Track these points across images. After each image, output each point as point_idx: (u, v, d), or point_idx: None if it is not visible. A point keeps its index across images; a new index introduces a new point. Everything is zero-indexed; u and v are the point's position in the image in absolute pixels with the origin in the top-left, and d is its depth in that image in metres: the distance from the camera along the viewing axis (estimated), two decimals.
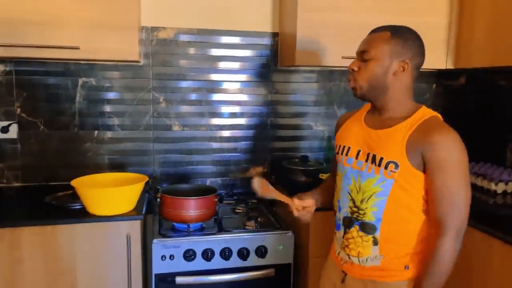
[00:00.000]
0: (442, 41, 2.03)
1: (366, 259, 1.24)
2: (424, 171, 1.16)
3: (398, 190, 1.18)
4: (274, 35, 2.18)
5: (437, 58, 2.04)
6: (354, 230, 1.25)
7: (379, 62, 1.20)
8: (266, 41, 2.17)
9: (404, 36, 1.21)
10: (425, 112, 1.22)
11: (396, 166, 1.16)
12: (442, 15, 2.01)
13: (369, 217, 1.22)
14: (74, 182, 1.60)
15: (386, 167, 1.17)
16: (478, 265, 1.54)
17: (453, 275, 1.64)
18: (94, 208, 1.57)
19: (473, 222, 1.56)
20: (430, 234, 1.21)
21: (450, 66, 2.05)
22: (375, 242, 1.23)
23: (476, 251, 1.55)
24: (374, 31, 1.27)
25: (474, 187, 2.08)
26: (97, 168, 2.05)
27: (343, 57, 1.91)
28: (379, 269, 1.23)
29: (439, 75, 2.41)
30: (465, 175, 1.15)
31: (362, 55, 1.24)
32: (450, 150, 1.13)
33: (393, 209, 1.20)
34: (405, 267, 1.22)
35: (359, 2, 1.91)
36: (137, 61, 1.92)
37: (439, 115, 1.23)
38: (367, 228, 1.23)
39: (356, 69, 1.25)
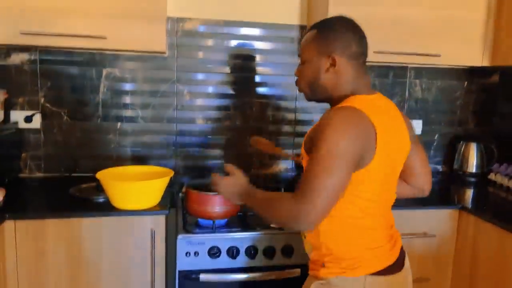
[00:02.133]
0: (479, 37, 1.95)
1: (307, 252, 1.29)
2: None
3: None
4: (302, 28, 2.12)
5: (472, 55, 1.96)
6: None
7: (310, 64, 1.19)
8: (293, 34, 2.11)
9: (329, 30, 1.16)
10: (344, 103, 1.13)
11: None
12: (479, 10, 1.93)
13: None
14: (99, 175, 1.57)
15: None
16: (491, 258, 1.49)
17: (487, 279, 1.59)
18: (119, 201, 1.54)
19: (507, 225, 1.51)
20: (341, 232, 1.16)
21: (486, 63, 1.96)
22: (304, 235, 1.28)
23: (491, 245, 1.50)
24: (307, 31, 1.24)
25: (506, 189, 2.01)
26: (120, 160, 2.03)
27: (375, 52, 1.85)
28: (311, 263, 1.26)
29: (471, 72, 2.32)
30: (322, 161, 1.01)
31: (300, 60, 1.24)
32: (321, 128, 1.05)
33: None
34: (322, 265, 1.18)
35: None
36: (163, 53, 1.88)
37: (356, 107, 1.08)
38: None
39: (297, 75, 1.26)
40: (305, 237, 1.27)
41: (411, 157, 1.27)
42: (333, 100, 1.20)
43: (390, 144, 1.13)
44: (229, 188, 1.29)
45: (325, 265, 1.18)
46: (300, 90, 1.28)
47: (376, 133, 1.07)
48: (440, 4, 1.88)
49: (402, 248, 1.24)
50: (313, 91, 1.22)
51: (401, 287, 1.20)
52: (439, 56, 1.91)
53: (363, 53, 1.18)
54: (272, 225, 1.66)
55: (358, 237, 1.15)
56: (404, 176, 1.31)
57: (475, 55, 1.96)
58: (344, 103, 1.12)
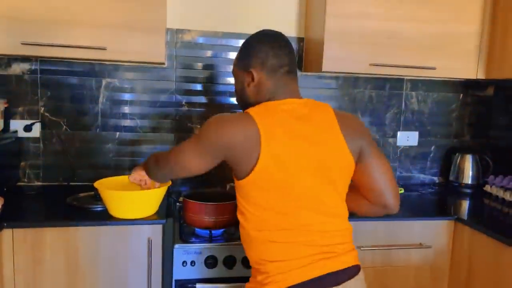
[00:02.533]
0: (473, 50, 1.98)
1: None
2: (233, 173, 1.18)
3: None
4: (300, 40, 2.15)
5: (467, 68, 1.99)
6: None
7: (236, 80, 1.29)
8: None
9: (247, 47, 1.23)
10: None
11: None
12: (474, 24, 1.96)
13: None
14: (97, 184, 1.58)
15: None
16: (509, 279, 1.49)
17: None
18: (116, 210, 1.55)
19: (502, 238, 1.52)
20: (247, 243, 1.19)
21: (481, 76, 1.99)
22: None
23: (509, 268, 1.50)
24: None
25: (502, 201, 2.02)
26: (118, 170, 2.04)
27: (370, 64, 1.88)
28: None
29: (467, 85, 2.35)
30: (193, 140, 1.18)
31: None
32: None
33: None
34: (248, 280, 1.24)
35: (389, 10, 1.87)
36: (162, 63, 1.91)
37: (248, 111, 1.15)
38: None
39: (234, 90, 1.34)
40: None
41: (362, 170, 1.21)
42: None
43: (293, 148, 1.10)
44: (137, 168, 1.53)
45: (249, 279, 1.22)
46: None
47: (260, 136, 1.07)
48: (435, 18, 1.92)
49: (350, 268, 1.14)
50: (242, 102, 1.29)
51: None
52: (434, 69, 1.94)
53: (285, 64, 1.20)
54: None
55: (265, 250, 1.13)
56: (361, 192, 1.25)
57: (470, 68, 1.99)
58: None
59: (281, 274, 1.10)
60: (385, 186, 1.21)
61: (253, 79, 1.20)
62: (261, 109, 1.14)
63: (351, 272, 1.14)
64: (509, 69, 1.88)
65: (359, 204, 1.27)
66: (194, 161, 1.17)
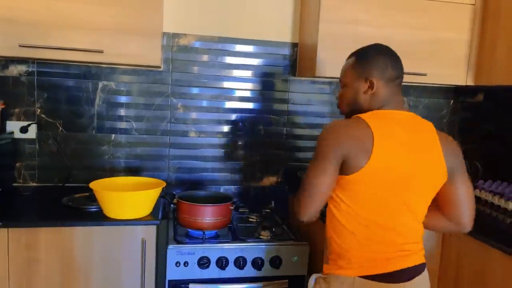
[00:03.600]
0: (463, 57, 2.02)
1: None
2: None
3: None
4: (294, 45, 2.19)
5: (457, 74, 2.03)
6: None
7: (350, 87, 1.31)
8: (285, 51, 2.18)
9: (367, 56, 1.28)
10: None
11: None
12: (464, 31, 2.01)
13: None
14: (92, 185, 1.60)
15: None
16: (497, 283, 1.52)
17: None
18: (111, 211, 1.57)
19: (490, 241, 1.55)
20: (339, 234, 1.25)
21: (470, 82, 2.04)
22: None
23: (496, 271, 1.53)
24: (347, 59, 1.37)
25: (491, 205, 2.06)
26: (113, 171, 2.06)
27: None
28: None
29: (457, 91, 2.40)
30: (315, 155, 1.21)
31: (341, 84, 1.36)
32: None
33: (328, 204, 1.30)
34: (326, 262, 1.31)
35: (382, 17, 1.91)
36: (158, 67, 1.94)
37: (360, 116, 1.22)
38: None
39: (339, 98, 1.38)
40: None
41: (450, 187, 1.26)
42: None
43: (398, 154, 1.17)
44: None
45: (328, 262, 1.29)
46: (340, 110, 1.38)
47: (373, 139, 1.14)
48: (427, 25, 1.96)
49: (416, 266, 1.23)
50: (352, 110, 1.32)
51: None
52: (425, 75, 1.98)
53: (399, 76, 1.28)
54: (261, 237, 1.70)
55: (352, 240, 1.22)
56: (441, 207, 1.30)
57: (459, 75, 2.04)
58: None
59: (363, 263, 1.20)
60: (467, 206, 1.28)
61: (372, 87, 1.25)
62: (372, 114, 1.22)
63: (419, 268, 1.24)
64: (497, 76, 1.92)
65: (435, 217, 1.32)
66: (328, 182, 1.18)
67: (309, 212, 1.21)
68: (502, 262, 1.50)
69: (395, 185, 1.19)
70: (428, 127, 1.26)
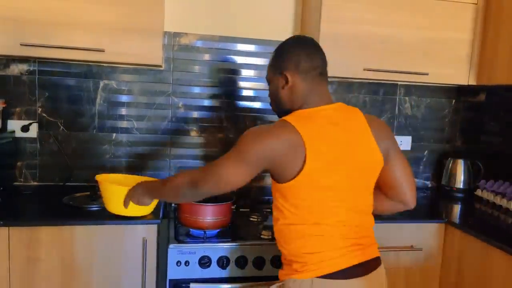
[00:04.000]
0: (465, 57, 2.02)
1: None
2: (272, 177, 1.23)
3: None
4: None
5: (459, 74, 2.03)
6: None
7: (271, 84, 1.31)
8: None
9: (282, 51, 1.27)
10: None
11: None
12: (466, 31, 2.00)
13: None
14: (98, 177, 1.59)
15: None
16: (499, 283, 1.52)
17: None
18: (113, 206, 1.55)
19: (491, 241, 1.55)
20: (286, 237, 1.23)
21: (472, 82, 2.03)
22: None
23: (498, 271, 1.53)
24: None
25: (492, 205, 2.06)
26: (114, 170, 2.06)
27: (364, 69, 1.92)
28: None
29: (459, 90, 2.39)
30: (232, 154, 1.19)
31: (266, 81, 1.35)
32: None
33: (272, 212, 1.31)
34: (281, 268, 1.29)
35: (384, 16, 1.91)
36: (159, 66, 1.94)
37: (286, 119, 1.19)
38: None
39: (268, 95, 1.36)
40: None
41: (387, 169, 1.28)
42: (289, 113, 1.25)
43: (333, 153, 1.16)
44: (141, 193, 1.41)
45: (282, 267, 1.28)
46: (271, 109, 1.37)
47: (304, 143, 1.13)
48: (428, 24, 1.96)
49: (374, 259, 1.24)
50: (277, 107, 1.32)
51: None
52: (427, 74, 1.97)
53: (316, 66, 1.24)
54: (262, 236, 1.70)
55: (302, 243, 1.20)
56: (382, 189, 1.33)
57: (461, 74, 2.03)
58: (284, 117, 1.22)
59: (317, 263, 1.18)
60: (405, 184, 1.31)
61: (287, 82, 1.24)
62: (299, 117, 1.19)
63: (375, 262, 1.25)
64: (499, 75, 1.92)
65: (380, 201, 1.35)
66: (236, 174, 1.18)
67: (197, 193, 1.23)
68: (504, 262, 1.50)
69: (336, 184, 1.18)
70: (355, 114, 1.26)
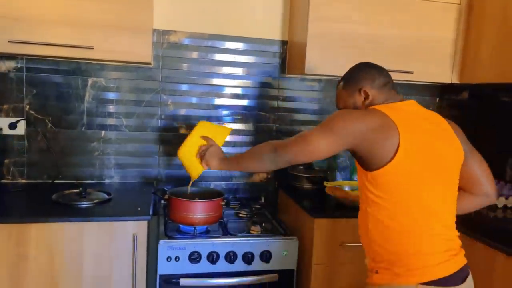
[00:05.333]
0: (448, 56, 2.07)
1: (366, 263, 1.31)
2: (362, 165, 1.22)
3: (359, 193, 1.28)
4: (283, 43, 2.21)
5: (442, 72, 2.08)
6: None
7: (347, 105, 1.34)
8: (275, 48, 2.20)
9: (353, 74, 1.35)
10: None
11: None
12: (449, 30, 2.05)
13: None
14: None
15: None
16: (480, 276, 1.57)
17: None
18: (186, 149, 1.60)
19: (475, 234, 1.59)
20: (387, 237, 1.19)
21: (455, 80, 2.08)
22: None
23: (479, 264, 1.58)
24: (336, 86, 1.42)
25: None
26: (103, 168, 2.06)
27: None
28: (368, 271, 1.28)
29: (443, 89, 2.45)
30: (322, 124, 1.22)
31: (339, 107, 1.40)
32: None
33: (360, 214, 1.29)
34: (375, 272, 1.22)
35: (370, 15, 1.95)
36: (148, 64, 1.94)
37: (376, 107, 1.23)
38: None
39: None
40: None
41: (467, 164, 1.29)
42: None
43: (424, 142, 1.17)
44: (215, 154, 1.53)
45: (379, 271, 1.21)
46: None
47: (397, 126, 1.14)
48: (413, 24, 2.00)
49: (466, 265, 1.21)
50: None
51: None
52: (411, 73, 2.02)
53: (388, 81, 1.33)
54: (251, 231, 1.72)
55: (405, 240, 1.16)
56: (465, 187, 1.33)
57: (444, 73, 2.08)
58: None
59: (422, 268, 1.14)
60: (487, 177, 1.33)
61: (367, 96, 1.29)
62: (386, 107, 1.22)
63: (467, 270, 1.21)
64: (481, 74, 1.97)
65: (465, 200, 1.34)
66: (324, 147, 1.19)
67: (278, 159, 1.27)
68: (485, 255, 1.54)
69: (429, 174, 1.18)
70: (433, 113, 1.30)
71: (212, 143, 1.58)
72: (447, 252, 1.17)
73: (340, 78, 1.40)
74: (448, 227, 1.22)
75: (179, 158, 1.62)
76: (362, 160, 1.20)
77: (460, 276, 1.17)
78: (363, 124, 1.16)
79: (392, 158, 1.13)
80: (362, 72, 1.34)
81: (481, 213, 1.92)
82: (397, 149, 1.12)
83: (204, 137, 1.60)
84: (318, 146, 1.20)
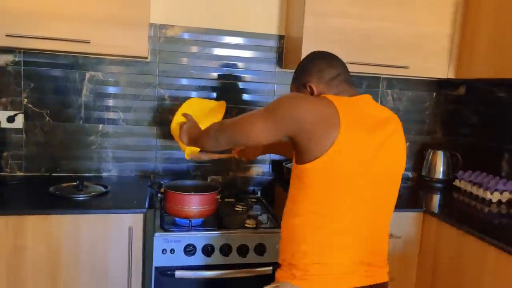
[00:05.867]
0: (445, 51, 2.07)
1: None
2: (295, 156, 1.15)
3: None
4: (280, 37, 2.21)
5: (439, 67, 2.08)
6: None
7: None
8: (272, 43, 2.21)
9: (302, 67, 1.30)
10: None
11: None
12: (445, 25, 2.05)
13: None
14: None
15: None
16: (472, 270, 1.59)
17: (447, 279, 1.70)
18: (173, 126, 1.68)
19: (467, 228, 1.61)
20: (295, 239, 1.14)
21: (451, 75, 2.09)
22: None
23: (471, 257, 1.60)
24: None
25: (469, 195, 2.13)
26: (101, 161, 2.08)
27: (348, 62, 1.93)
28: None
29: (440, 84, 2.45)
30: (267, 107, 1.17)
31: None
32: None
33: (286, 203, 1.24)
34: (279, 265, 1.21)
35: (366, 10, 1.95)
36: (145, 58, 1.95)
37: (327, 96, 1.15)
38: None
39: None
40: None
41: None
42: None
43: (366, 143, 1.09)
44: (186, 131, 1.57)
45: (280, 267, 1.20)
46: None
47: (340, 119, 1.06)
48: (409, 19, 2.00)
49: (381, 285, 1.15)
50: None
51: None
52: (407, 68, 2.02)
53: (339, 73, 1.24)
54: (246, 225, 1.74)
55: (312, 251, 1.11)
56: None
57: (441, 68, 2.08)
58: None
59: (321, 275, 1.10)
60: None
61: (312, 93, 1.23)
62: (337, 98, 1.14)
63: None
64: (477, 69, 1.98)
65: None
66: (261, 130, 1.14)
67: (220, 138, 1.29)
68: (478, 249, 1.56)
69: (362, 176, 1.10)
70: (385, 109, 1.22)
71: (190, 120, 1.59)
72: (355, 265, 1.11)
73: None
74: (374, 239, 1.15)
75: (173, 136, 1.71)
76: (298, 148, 1.12)
77: None
78: (307, 114, 1.08)
79: (324, 153, 1.05)
80: (310, 65, 1.27)
81: (475, 207, 1.94)
82: (332, 144, 1.05)
83: (184, 114, 1.64)
84: (255, 130, 1.15)
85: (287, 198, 1.21)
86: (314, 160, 1.07)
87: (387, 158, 1.13)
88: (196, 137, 1.49)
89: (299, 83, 1.29)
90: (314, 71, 1.25)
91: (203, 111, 1.75)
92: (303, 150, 1.10)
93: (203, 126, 1.53)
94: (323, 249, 1.11)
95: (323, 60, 1.27)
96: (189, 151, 1.65)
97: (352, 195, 1.10)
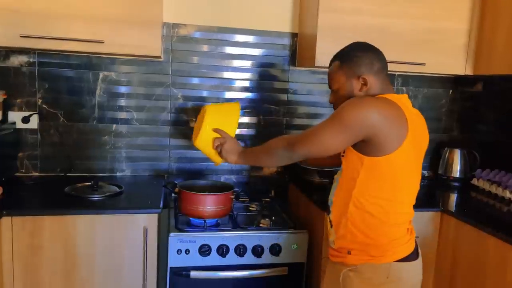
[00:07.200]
0: (462, 47, 2.03)
1: (331, 241, 1.39)
2: (359, 149, 1.24)
3: (344, 174, 1.32)
4: (293, 35, 2.19)
5: (456, 64, 2.04)
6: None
7: (343, 89, 1.34)
8: (285, 41, 2.19)
9: (351, 56, 1.32)
10: None
11: (344, 151, 1.31)
12: (463, 21, 2.01)
13: (329, 199, 1.39)
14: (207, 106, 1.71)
15: (343, 153, 1.33)
16: (494, 272, 1.55)
17: (467, 280, 1.66)
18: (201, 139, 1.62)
19: (487, 228, 1.57)
20: (369, 225, 1.27)
21: (469, 72, 2.05)
22: (331, 224, 1.37)
23: (491, 257, 1.56)
24: (329, 65, 1.41)
25: (488, 194, 2.08)
26: (114, 161, 2.08)
27: None
28: (334, 250, 1.37)
29: (456, 80, 2.41)
30: (334, 118, 1.23)
31: (331, 89, 1.40)
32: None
33: (339, 193, 1.33)
34: (348, 252, 1.30)
35: (381, 6, 1.92)
36: (158, 57, 1.95)
37: (383, 95, 1.27)
38: (328, 209, 1.39)
39: (333, 102, 1.41)
40: (331, 227, 1.37)
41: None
42: None
43: (417, 140, 1.26)
44: (230, 150, 1.54)
45: (351, 252, 1.30)
46: None
47: (407, 118, 1.20)
48: (425, 14, 1.97)
49: (416, 246, 1.37)
50: None
51: (418, 271, 1.34)
52: (424, 64, 1.98)
53: (384, 66, 1.33)
54: (261, 225, 1.72)
55: (382, 232, 1.27)
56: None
57: (458, 64, 2.04)
58: None
59: (396, 247, 1.28)
60: None
61: (366, 84, 1.29)
62: (395, 97, 1.26)
63: (417, 244, 1.38)
64: (496, 65, 1.93)
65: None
66: (340, 141, 1.22)
67: (292, 155, 1.32)
68: (498, 249, 1.53)
69: (416, 168, 1.31)
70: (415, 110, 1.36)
71: (225, 136, 1.57)
72: (408, 232, 1.33)
73: (336, 55, 1.38)
74: (412, 213, 1.36)
75: (197, 148, 1.65)
76: (363, 145, 1.22)
77: (416, 251, 1.34)
78: (383, 120, 1.18)
79: (396, 148, 1.19)
80: (361, 56, 1.31)
81: (494, 206, 1.90)
82: (403, 141, 1.19)
83: (216, 130, 1.59)
84: (333, 143, 1.23)
85: (347, 183, 1.29)
86: (389, 154, 1.19)
87: (424, 143, 1.34)
88: (252, 157, 1.53)
89: (351, 73, 1.31)
90: (368, 63, 1.29)
91: (225, 117, 1.68)
92: (377, 148, 1.20)
93: (229, 132, 1.59)
94: (394, 228, 1.28)
95: (373, 52, 1.33)
96: (220, 161, 1.63)
97: (410, 180, 1.29)
